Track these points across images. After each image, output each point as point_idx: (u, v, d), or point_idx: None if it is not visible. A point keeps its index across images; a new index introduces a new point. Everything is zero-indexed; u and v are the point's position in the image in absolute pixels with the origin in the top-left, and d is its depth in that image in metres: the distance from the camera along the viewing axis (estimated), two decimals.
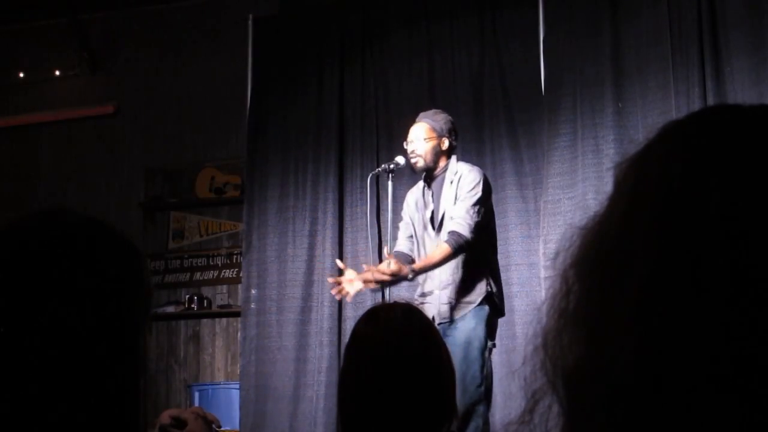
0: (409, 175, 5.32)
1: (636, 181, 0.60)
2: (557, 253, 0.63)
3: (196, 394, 5.78)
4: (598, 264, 0.59)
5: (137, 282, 1.01)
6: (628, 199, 0.60)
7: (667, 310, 0.55)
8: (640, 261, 0.56)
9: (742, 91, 4.61)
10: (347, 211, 5.51)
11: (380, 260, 5.21)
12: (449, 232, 3.86)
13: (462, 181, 3.96)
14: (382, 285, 3.94)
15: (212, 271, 6.40)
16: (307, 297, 5.47)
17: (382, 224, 5.24)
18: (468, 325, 3.87)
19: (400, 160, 4.80)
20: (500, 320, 4.98)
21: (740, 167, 0.57)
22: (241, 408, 5.47)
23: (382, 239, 5.17)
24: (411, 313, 1.86)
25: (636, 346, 0.55)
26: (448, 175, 4.03)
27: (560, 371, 0.59)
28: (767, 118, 0.60)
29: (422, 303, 3.93)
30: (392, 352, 1.76)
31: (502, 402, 4.78)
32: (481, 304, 3.91)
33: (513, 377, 4.54)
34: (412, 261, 4.04)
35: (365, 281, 3.90)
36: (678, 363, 0.54)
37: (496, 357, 4.91)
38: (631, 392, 0.55)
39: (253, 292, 5.61)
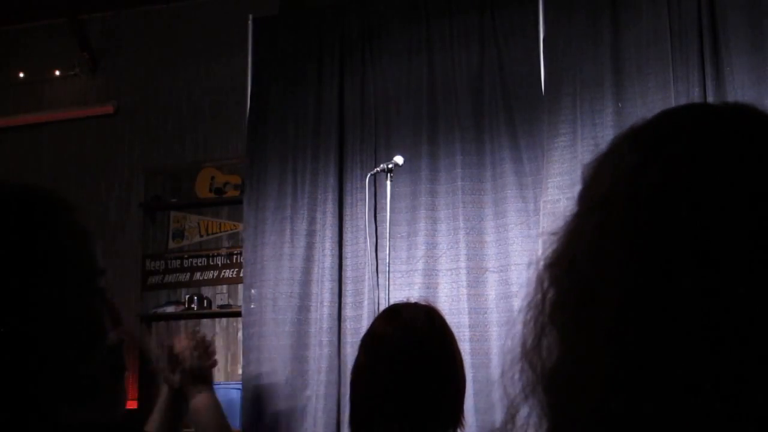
0: (408, 174, 5.33)
1: (608, 186, 0.60)
2: (535, 261, 0.63)
3: None
4: (572, 273, 0.59)
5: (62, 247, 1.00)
6: (601, 208, 0.60)
7: (642, 317, 0.55)
8: (614, 270, 0.56)
9: (742, 91, 4.61)
10: (346, 211, 5.51)
11: (377, 259, 5.22)
12: None
13: None
14: None
15: (212, 271, 6.40)
16: (306, 297, 5.47)
17: (380, 224, 5.24)
18: None
19: (398, 159, 4.80)
20: (500, 321, 5.00)
21: (711, 177, 0.57)
22: (242, 408, 5.47)
23: (383, 239, 5.16)
24: (433, 315, 1.84)
25: (612, 353, 0.55)
26: None
27: (539, 377, 0.60)
28: (734, 122, 0.60)
29: None
30: (413, 352, 1.75)
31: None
32: None
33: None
34: None
35: None
36: (652, 371, 0.54)
37: (495, 359, 4.92)
38: (608, 397, 0.55)
39: (252, 291, 5.61)
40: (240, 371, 5.69)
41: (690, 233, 0.55)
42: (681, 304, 0.54)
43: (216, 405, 2.18)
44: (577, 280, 0.59)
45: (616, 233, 0.58)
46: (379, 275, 5.19)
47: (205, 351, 2.25)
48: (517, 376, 0.61)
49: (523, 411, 0.61)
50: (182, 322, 6.38)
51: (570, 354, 0.58)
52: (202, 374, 2.19)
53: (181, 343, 2.23)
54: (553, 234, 0.62)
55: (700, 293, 0.54)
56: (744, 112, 0.61)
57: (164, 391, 2.27)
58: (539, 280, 0.62)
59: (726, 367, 0.53)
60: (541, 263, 0.62)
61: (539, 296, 0.61)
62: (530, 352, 0.61)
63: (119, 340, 2.36)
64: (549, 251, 0.62)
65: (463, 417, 1.80)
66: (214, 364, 2.27)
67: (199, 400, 2.16)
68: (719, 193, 0.56)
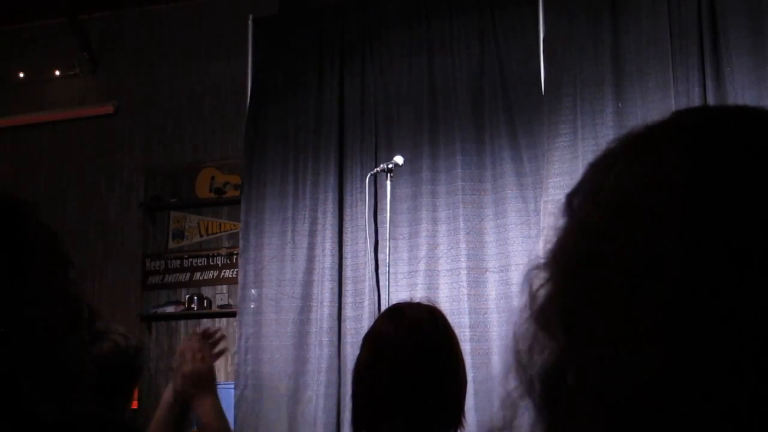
0: (409, 175, 5.33)
1: (608, 187, 0.60)
2: (529, 260, 0.63)
3: None
4: (575, 271, 0.60)
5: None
6: (607, 208, 0.60)
7: (653, 315, 0.55)
8: (623, 266, 0.56)
9: (742, 91, 4.61)
10: (347, 211, 5.50)
11: (377, 260, 5.21)
12: None
13: None
14: None
15: (212, 271, 6.40)
16: (306, 297, 5.46)
17: (381, 224, 5.24)
18: None
19: (398, 159, 4.80)
20: (500, 321, 5.00)
21: (710, 171, 0.57)
22: (236, 408, 5.46)
23: (383, 239, 5.16)
24: (436, 315, 1.84)
25: (605, 352, 0.55)
26: None
27: (536, 375, 0.60)
28: (738, 123, 0.60)
29: None
30: (415, 352, 1.75)
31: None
32: None
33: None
34: None
35: None
36: (648, 367, 0.54)
37: (496, 357, 4.92)
38: (613, 398, 0.55)
39: (252, 291, 5.60)
40: (235, 371, 5.68)
41: (677, 232, 0.55)
42: (664, 301, 0.54)
43: (218, 410, 2.18)
44: (565, 279, 0.59)
45: (626, 230, 0.58)
46: (380, 275, 5.19)
47: (212, 344, 2.25)
48: (512, 376, 0.61)
49: (519, 411, 0.61)
50: (182, 322, 6.38)
51: (562, 352, 0.58)
52: (204, 378, 2.19)
53: (185, 346, 2.23)
54: (550, 234, 0.63)
55: (681, 292, 0.54)
56: (743, 112, 0.61)
57: (167, 393, 2.27)
58: (530, 280, 0.62)
59: (713, 360, 0.53)
60: (534, 263, 0.63)
61: (531, 296, 0.62)
62: (523, 351, 0.61)
63: (140, 342, 2.36)
64: (549, 252, 0.62)
65: (464, 417, 1.80)
66: (221, 353, 2.27)
67: (201, 405, 2.15)
68: (709, 190, 0.56)
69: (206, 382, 2.19)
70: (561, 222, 0.62)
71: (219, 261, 6.39)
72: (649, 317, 0.55)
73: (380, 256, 5.22)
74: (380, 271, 5.20)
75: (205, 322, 6.31)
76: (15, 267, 0.96)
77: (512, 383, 0.61)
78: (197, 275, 6.42)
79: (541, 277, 0.62)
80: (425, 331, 1.78)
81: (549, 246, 0.62)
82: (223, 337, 2.32)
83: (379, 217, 5.30)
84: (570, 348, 0.58)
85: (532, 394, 0.60)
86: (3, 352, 0.91)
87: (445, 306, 4.85)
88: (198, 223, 6.48)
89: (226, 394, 5.55)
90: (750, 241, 0.54)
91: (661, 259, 0.55)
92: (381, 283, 5.14)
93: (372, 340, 1.83)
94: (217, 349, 2.27)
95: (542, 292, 0.61)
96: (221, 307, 6.30)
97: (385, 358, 1.77)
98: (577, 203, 0.63)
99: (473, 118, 5.31)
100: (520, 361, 0.61)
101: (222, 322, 6.29)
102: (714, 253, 0.54)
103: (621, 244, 0.57)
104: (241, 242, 5.74)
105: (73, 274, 1.03)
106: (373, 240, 5.26)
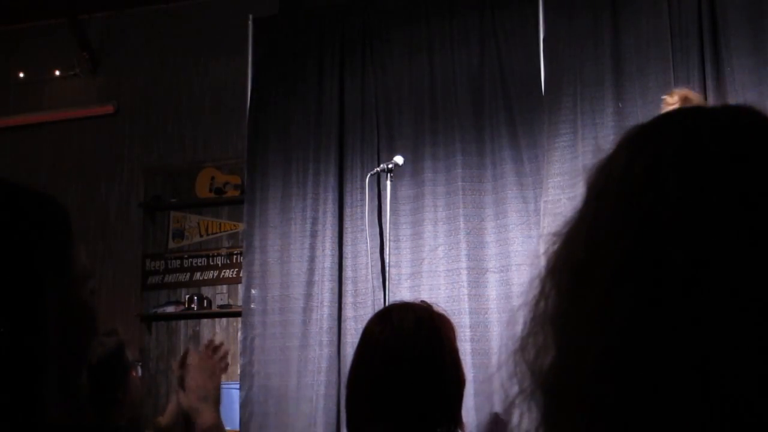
0: (409, 175, 5.32)
1: (602, 186, 0.61)
2: (535, 261, 0.64)
3: None
4: (569, 267, 0.60)
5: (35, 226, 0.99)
6: (595, 203, 0.61)
7: (629, 311, 0.55)
8: (605, 260, 0.57)
9: (743, 91, 4.60)
10: (347, 211, 5.50)
11: (381, 260, 5.21)
12: None
13: None
14: None
15: (212, 271, 6.40)
16: (307, 297, 5.46)
17: (382, 224, 5.24)
18: None
19: (399, 159, 4.80)
20: (501, 321, 4.99)
21: (698, 168, 0.58)
22: (241, 408, 5.47)
23: (383, 239, 5.16)
24: (423, 317, 1.84)
25: (602, 348, 0.56)
26: None
27: (536, 376, 0.60)
28: (726, 119, 0.61)
29: None
30: (397, 354, 1.76)
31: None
32: None
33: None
34: None
35: None
36: (643, 364, 0.54)
37: (495, 359, 4.92)
38: (603, 396, 0.55)
39: (253, 292, 5.60)
40: (239, 371, 5.68)
41: (679, 222, 0.56)
42: (671, 295, 0.55)
43: (220, 426, 2.17)
44: (572, 276, 0.60)
45: (608, 224, 0.59)
46: (381, 275, 5.19)
47: (219, 359, 2.24)
48: (513, 374, 0.62)
49: (521, 408, 0.62)
50: (182, 322, 6.38)
51: (563, 351, 0.59)
52: (210, 394, 2.18)
53: (194, 361, 2.21)
54: (556, 234, 0.63)
55: (683, 286, 0.55)
56: (737, 112, 0.62)
57: (172, 403, 2.26)
58: (539, 279, 0.62)
59: (722, 358, 0.53)
60: (540, 262, 0.63)
61: (538, 293, 0.62)
62: (524, 348, 0.61)
63: (119, 341, 2.36)
64: (550, 251, 0.63)
65: (461, 416, 1.80)
66: (225, 368, 2.27)
67: (204, 421, 2.14)
68: (708, 180, 0.57)
69: (212, 397, 2.18)
70: (563, 226, 0.63)
71: (219, 261, 6.39)
72: (645, 317, 0.55)
73: (381, 255, 5.22)
74: (381, 270, 5.20)
75: (205, 323, 6.31)
76: (52, 268, 0.96)
77: (514, 383, 0.62)
78: (197, 275, 6.42)
79: (546, 279, 0.62)
80: (407, 332, 1.78)
81: (553, 249, 0.63)
82: (226, 354, 2.31)
83: (380, 217, 5.30)
84: (572, 349, 0.58)
85: (536, 396, 0.60)
86: (20, 353, 0.90)
87: (445, 306, 4.84)
88: (198, 223, 6.48)
89: (232, 395, 5.56)
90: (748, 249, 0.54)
91: (662, 265, 0.56)
92: (381, 283, 5.14)
93: (361, 341, 1.84)
94: (222, 364, 2.27)
95: (548, 293, 0.61)
96: (221, 307, 6.30)
97: (371, 360, 1.78)
98: (580, 206, 0.63)
99: (473, 118, 5.31)
100: (525, 363, 0.61)
101: (222, 323, 6.30)
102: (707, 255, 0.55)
103: (621, 249, 0.57)
104: (244, 243, 5.74)
105: (91, 285, 1.03)
106: (378, 241, 5.26)
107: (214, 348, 2.26)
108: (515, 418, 4.43)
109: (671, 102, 3.90)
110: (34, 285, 0.95)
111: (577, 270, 0.59)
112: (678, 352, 0.54)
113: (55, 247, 1.00)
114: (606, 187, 0.61)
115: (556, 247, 0.62)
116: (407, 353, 1.76)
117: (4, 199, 0.99)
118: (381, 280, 5.16)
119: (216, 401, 2.19)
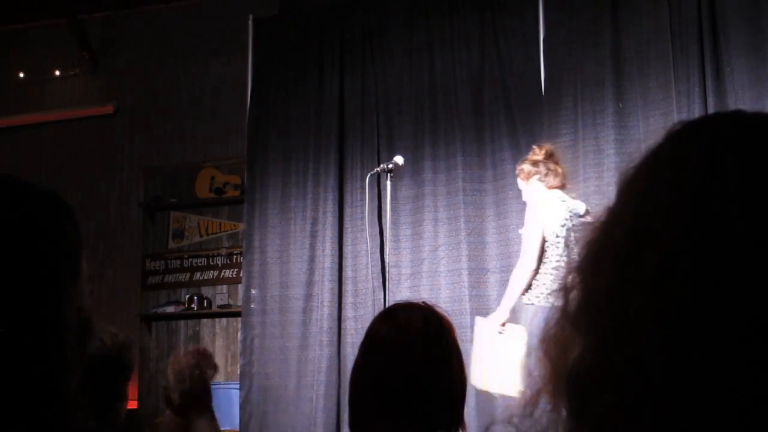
0: (409, 175, 5.32)
1: (647, 183, 0.61)
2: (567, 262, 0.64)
3: None
4: (606, 264, 0.60)
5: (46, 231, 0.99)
6: (640, 200, 0.60)
7: (679, 305, 0.55)
8: (655, 247, 0.57)
9: (742, 91, 4.60)
10: (347, 211, 5.50)
11: (382, 260, 5.21)
12: None
13: None
14: None
15: (212, 271, 6.40)
16: (307, 297, 5.46)
17: (382, 224, 5.24)
18: None
19: (399, 160, 4.80)
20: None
21: (749, 167, 0.57)
22: (241, 408, 5.47)
23: (383, 239, 5.16)
24: (430, 316, 1.84)
25: (654, 335, 0.55)
26: None
27: (564, 370, 0.60)
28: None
29: None
30: (405, 353, 1.75)
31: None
32: None
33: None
34: None
35: None
36: (706, 349, 0.54)
37: None
38: (645, 392, 0.55)
39: (253, 292, 5.60)
40: (239, 371, 5.68)
41: (736, 221, 0.56)
42: (727, 290, 0.54)
43: (216, 427, 2.17)
44: (611, 273, 0.59)
45: (658, 221, 0.58)
46: (381, 276, 5.18)
47: (208, 363, 2.24)
48: (539, 365, 0.61)
49: (543, 400, 0.61)
50: (182, 322, 6.38)
51: (601, 347, 0.58)
52: (200, 397, 2.17)
53: (182, 362, 2.21)
54: (590, 228, 0.63)
55: (745, 276, 0.54)
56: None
57: (167, 417, 2.26)
58: (570, 276, 0.62)
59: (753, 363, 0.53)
60: (574, 260, 0.63)
61: (564, 297, 0.62)
62: (550, 344, 0.61)
63: (128, 339, 2.35)
64: (582, 247, 0.63)
65: (463, 417, 1.80)
66: (216, 371, 2.26)
67: (199, 424, 2.14)
68: (763, 170, 0.57)
69: (203, 400, 2.18)
70: (593, 227, 0.63)
71: (219, 261, 6.39)
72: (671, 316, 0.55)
73: (381, 255, 5.22)
74: (381, 270, 5.20)
75: (205, 323, 6.31)
76: (38, 264, 0.96)
77: (540, 375, 0.61)
78: (197, 275, 6.42)
79: (574, 279, 0.62)
80: (415, 332, 1.78)
81: (581, 250, 0.62)
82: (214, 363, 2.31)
83: (381, 217, 5.30)
84: (599, 346, 0.58)
85: (560, 392, 0.60)
86: (20, 353, 0.90)
87: (446, 306, 4.84)
88: (198, 223, 6.48)
89: (231, 395, 5.56)
90: None
91: (681, 264, 0.56)
92: (382, 284, 5.14)
93: (365, 341, 1.84)
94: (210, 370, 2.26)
95: (574, 294, 0.61)
96: (221, 307, 6.30)
97: (375, 359, 1.78)
98: (616, 204, 0.63)
99: (473, 117, 5.31)
100: (551, 360, 0.61)
101: (222, 323, 6.30)
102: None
103: (650, 246, 0.57)
104: (244, 244, 5.74)
105: (87, 286, 1.02)
106: (378, 241, 5.25)
107: (203, 352, 2.26)
108: (536, 411, 4.42)
109: (538, 153, 4.47)
110: (52, 286, 0.94)
111: (622, 260, 0.59)
112: (741, 338, 0.53)
113: (69, 247, 1.00)
114: (653, 178, 0.60)
115: (589, 242, 0.62)
116: (415, 352, 1.75)
117: (17, 198, 0.99)
118: (381, 280, 5.16)
119: (209, 402, 2.18)
